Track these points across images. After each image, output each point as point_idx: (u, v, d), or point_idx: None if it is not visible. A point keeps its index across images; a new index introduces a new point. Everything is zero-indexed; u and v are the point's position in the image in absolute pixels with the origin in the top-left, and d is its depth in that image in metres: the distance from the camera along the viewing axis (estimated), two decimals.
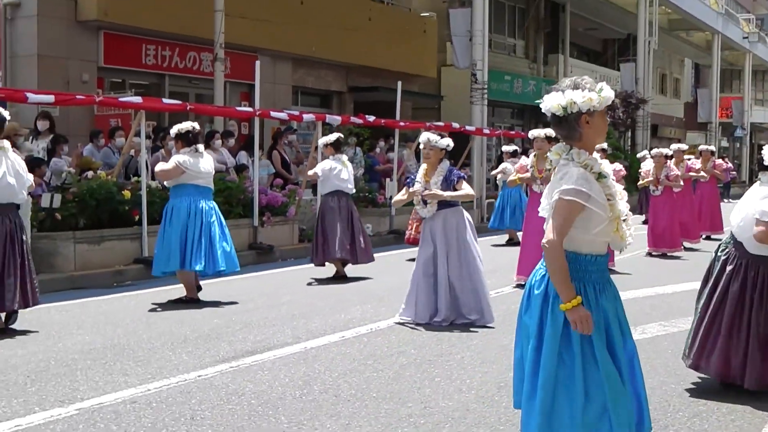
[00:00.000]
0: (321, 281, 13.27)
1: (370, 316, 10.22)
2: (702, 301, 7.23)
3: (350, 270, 13.65)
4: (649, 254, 17.03)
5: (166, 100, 16.10)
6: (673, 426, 6.36)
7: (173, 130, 11.11)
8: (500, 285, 12.51)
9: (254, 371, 7.62)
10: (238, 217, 15.72)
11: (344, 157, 13.48)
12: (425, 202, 9.85)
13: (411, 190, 9.95)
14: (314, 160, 18.26)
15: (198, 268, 10.92)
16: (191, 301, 11.06)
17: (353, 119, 20.01)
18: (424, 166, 10.03)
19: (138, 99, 14.54)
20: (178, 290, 11.42)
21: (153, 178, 14.32)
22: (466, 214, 10.12)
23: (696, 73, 60.68)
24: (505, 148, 20.98)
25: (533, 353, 4.58)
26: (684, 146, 19.89)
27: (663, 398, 7.08)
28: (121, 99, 14.87)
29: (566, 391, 4.49)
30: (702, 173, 19.90)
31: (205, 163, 11.08)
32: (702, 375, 7.54)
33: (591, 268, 4.60)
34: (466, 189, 9.89)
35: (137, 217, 13.63)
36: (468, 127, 24.76)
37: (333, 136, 13.48)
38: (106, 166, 14.99)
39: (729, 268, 7.07)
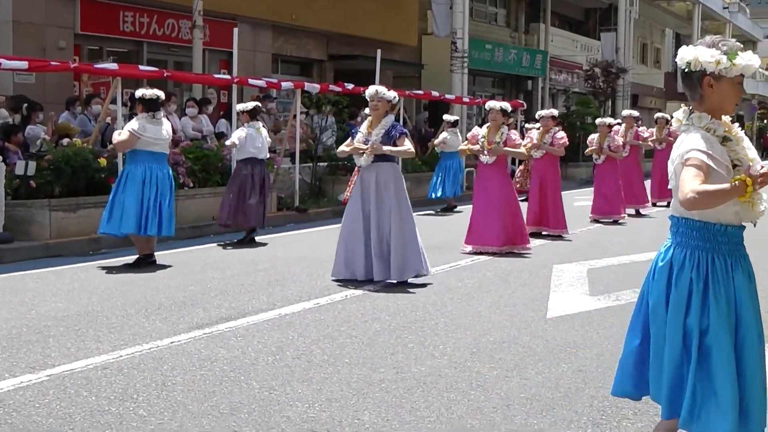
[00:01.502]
0: (235, 245, 13.46)
1: (345, 283, 10.18)
2: None
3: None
4: (595, 221, 17.23)
5: (142, 67, 15.94)
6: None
7: (137, 93, 11.22)
8: (475, 253, 12.51)
9: (228, 337, 7.58)
10: (216, 186, 15.62)
11: (259, 125, 13.80)
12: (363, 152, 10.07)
13: (354, 142, 10.21)
14: (293, 128, 18.21)
15: (153, 233, 11.21)
16: (146, 258, 11.29)
17: (332, 87, 19.93)
18: (369, 119, 10.28)
19: (114, 66, 14.40)
20: (158, 258, 11.41)
21: (104, 145, 14.38)
22: (399, 169, 10.44)
23: (677, 42, 60.52)
24: (446, 117, 20.79)
25: (663, 328, 4.33)
26: (635, 113, 20.13)
27: None
28: (97, 66, 14.73)
29: (689, 367, 4.25)
30: (649, 141, 20.44)
31: (162, 129, 11.21)
32: None
33: (720, 238, 4.24)
34: (406, 146, 10.12)
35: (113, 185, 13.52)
36: (448, 96, 24.69)
37: (250, 105, 13.79)
38: (83, 134, 14.89)
39: None
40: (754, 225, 4.33)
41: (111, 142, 14.29)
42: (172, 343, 7.37)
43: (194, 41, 19.06)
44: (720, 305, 4.19)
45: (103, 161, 13.46)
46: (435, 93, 24.08)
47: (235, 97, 16.92)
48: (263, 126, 14.17)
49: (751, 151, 4.29)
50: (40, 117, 14.94)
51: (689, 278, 4.24)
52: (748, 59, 4.19)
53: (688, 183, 3.98)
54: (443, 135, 19.76)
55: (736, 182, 3.95)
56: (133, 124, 10.97)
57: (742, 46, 4.29)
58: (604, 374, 6.55)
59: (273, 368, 6.66)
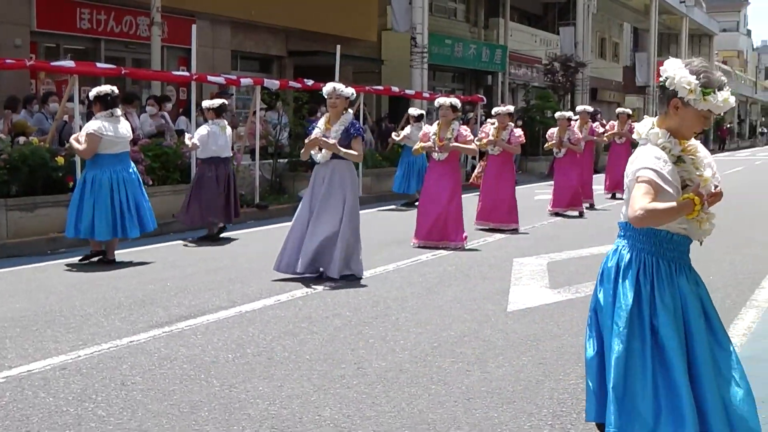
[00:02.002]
0: (198, 242, 13.34)
1: (305, 279, 10.13)
2: None
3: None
4: (555, 214, 17.33)
5: (100, 65, 15.82)
6: None
7: (92, 93, 11.13)
8: (430, 247, 12.52)
9: (188, 336, 7.53)
10: (176, 183, 15.51)
11: (224, 122, 13.57)
12: (321, 149, 10.02)
13: (311, 137, 10.11)
14: (252, 124, 18.14)
15: (135, 234, 11.24)
16: (97, 254, 11.25)
17: (292, 83, 19.85)
18: (327, 114, 10.23)
19: (71, 63, 14.26)
20: (117, 257, 11.33)
21: (61, 143, 14.24)
22: (353, 168, 10.37)
23: (635, 37, 61.01)
24: (411, 110, 20.69)
25: (608, 332, 4.37)
26: (590, 108, 20.27)
27: None
28: (53, 64, 14.57)
29: (636, 372, 4.23)
30: (605, 136, 20.89)
31: (121, 127, 11.07)
32: None
33: (666, 245, 4.31)
34: (357, 151, 10.06)
35: (71, 184, 13.37)
36: (408, 91, 24.70)
37: (217, 102, 13.63)
38: (40, 132, 14.72)
39: None
40: (700, 243, 4.39)
41: (68, 141, 14.17)
42: (131, 342, 7.31)
43: (152, 38, 18.92)
44: (667, 306, 4.24)
45: (60, 160, 13.30)
46: (395, 88, 24.07)
47: (195, 94, 16.80)
48: (227, 124, 14.01)
49: (707, 171, 4.31)
50: None
51: (636, 278, 4.30)
52: (720, 100, 4.18)
53: (638, 200, 4.05)
54: (407, 129, 19.70)
55: (684, 200, 4.04)
56: (92, 125, 10.83)
57: (725, 82, 4.27)
58: (565, 366, 6.58)
59: (233, 366, 6.62)
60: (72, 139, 11.44)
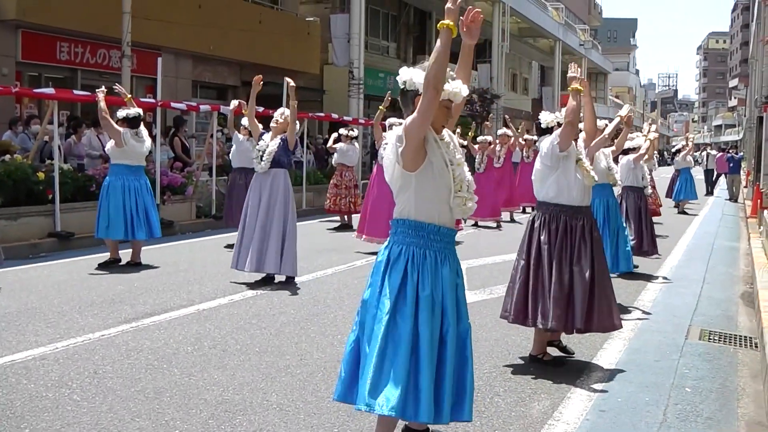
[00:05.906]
0: (229, 248, 13.11)
1: (256, 282, 10.13)
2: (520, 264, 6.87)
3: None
4: (475, 224, 17.40)
5: (77, 92, 15.67)
6: (512, 369, 6.53)
7: (120, 113, 11.01)
8: (373, 252, 12.60)
9: (152, 330, 7.51)
10: None
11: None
12: (261, 159, 9.93)
13: (257, 144, 10.07)
14: (210, 145, 18.06)
15: (141, 236, 11.14)
16: (115, 262, 11.16)
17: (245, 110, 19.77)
18: (270, 133, 10.08)
19: (51, 90, 14.10)
20: (90, 261, 11.23)
21: (42, 160, 14.04)
22: (289, 179, 10.21)
23: (541, 73, 61.71)
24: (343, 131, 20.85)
25: (374, 320, 4.19)
26: (509, 132, 20.45)
27: (505, 348, 7.26)
28: (36, 90, 14.40)
29: (394, 349, 4.08)
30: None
31: (141, 145, 11.06)
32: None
33: (433, 236, 4.19)
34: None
35: (50, 196, 13.25)
36: (346, 117, 24.74)
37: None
38: (23, 150, 14.55)
39: (536, 224, 6.79)
40: (465, 221, 4.40)
41: (49, 158, 13.99)
42: (102, 336, 7.28)
43: (123, 69, 18.73)
44: (426, 297, 4.12)
45: (41, 175, 13.15)
46: (335, 115, 24.11)
47: (159, 119, 16.71)
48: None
49: (458, 154, 4.27)
50: None
51: (404, 269, 4.16)
52: (454, 87, 4.16)
53: (418, 109, 4.00)
54: (341, 145, 19.67)
55: (441, 29, 4.03)
56: (126, 131, 10.87)
57: (454, 75, 4.23)
58: (480, 357, 6.65)
59: (192, 357, 6.63)
60: (107, 114, 11.01)
